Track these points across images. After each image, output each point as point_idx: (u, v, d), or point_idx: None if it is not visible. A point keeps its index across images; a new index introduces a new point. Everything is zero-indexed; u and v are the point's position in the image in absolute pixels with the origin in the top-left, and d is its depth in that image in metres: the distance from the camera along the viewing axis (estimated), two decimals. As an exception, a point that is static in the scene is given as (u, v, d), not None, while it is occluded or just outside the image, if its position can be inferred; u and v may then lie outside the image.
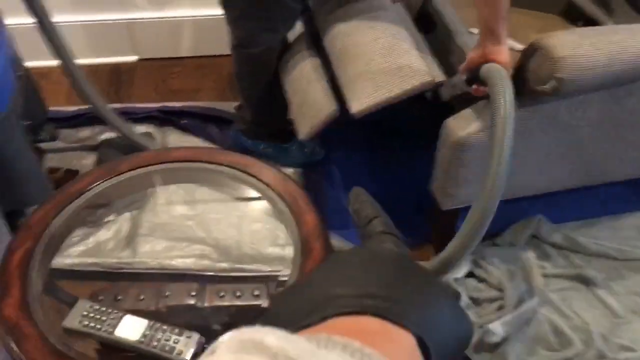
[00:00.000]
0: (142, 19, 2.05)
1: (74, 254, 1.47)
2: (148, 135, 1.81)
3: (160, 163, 0.96)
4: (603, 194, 1.60)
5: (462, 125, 1.26)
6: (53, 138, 1.78)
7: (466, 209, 1.44)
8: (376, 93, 1.26)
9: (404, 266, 0.38)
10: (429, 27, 1.65)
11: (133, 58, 2.13)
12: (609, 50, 1.13)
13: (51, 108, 1.80)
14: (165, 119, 1.85)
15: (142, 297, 0.88)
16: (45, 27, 1.44)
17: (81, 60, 2.08)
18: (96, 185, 0.94)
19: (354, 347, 0.28)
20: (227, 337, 0.27)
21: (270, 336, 0.26)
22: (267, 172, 0.93)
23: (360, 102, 1.28)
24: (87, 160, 1.75)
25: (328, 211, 1.64)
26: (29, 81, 1.63)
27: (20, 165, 1.41)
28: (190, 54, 2.13)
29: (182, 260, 1.46)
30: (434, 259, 1.16)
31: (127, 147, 1.72)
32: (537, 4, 1.72)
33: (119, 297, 0.87)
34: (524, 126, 1.25)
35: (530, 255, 1.50)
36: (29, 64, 1.80)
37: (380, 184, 1.73)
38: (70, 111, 1.86)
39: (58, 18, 1.98)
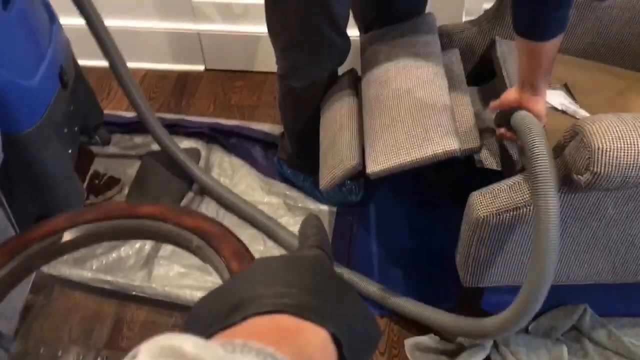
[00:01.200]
0: (213, 31, 2.05)
1: (91, 268, 1.50)
2: (194, 151, 1.81)
3: (127, 218, 0.92)
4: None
5: (486, 203, 1.12)
6: (106, 142, 1.83)
7: (491, 290, 1.30)
8: (394, 155, 1.16)
9: (322, 270, 0.41)
10: (487, 77, 1.50)
11: (200, 67, 2.15)
12: (662, 148, 0.94)
13: (109, 112, 1.85)
14: (214, 136, 1.84)
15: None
16: (95, 30, 1.45)
17: (152, 65, 2.15)
18: (58, 235, 0.92)
19: (266, 352, 0.29)
20: (146, 344, 0.28)
21: (188, 343, 0.27)
22: (227, 246, 0.86)
23: (377, 162, 1.18)
24: (132, 169, 1.78)
25: (356, 256, 1.56)
26: (83, 84, 1.68)
27: (53, 172, 1.45)
28: (254, 69, 2.11)
29: (190, 292, 1.45)
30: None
31: (169, 160, 1.73)
32: (623, 60, 1.51)
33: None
34: (563, 215, 1.09)
35: (564, 353, 1.32)
36: (90, 63, 1.87)
37: (417, 235, 1.61)
38: (128, 117, 1.90)
39: (135, 23, 2.05)
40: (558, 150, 1.06)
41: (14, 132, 1.31)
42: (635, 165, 0.94)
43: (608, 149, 0.94)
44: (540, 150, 1.02)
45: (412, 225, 1.64)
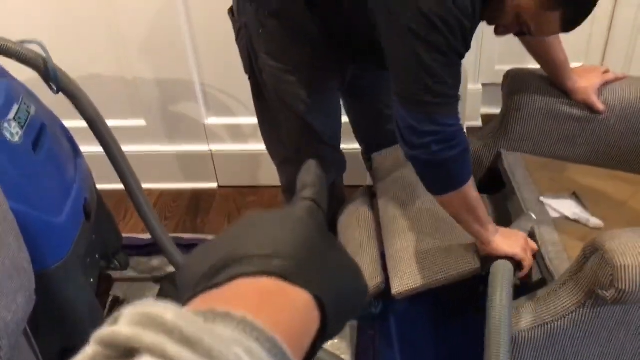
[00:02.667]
0: (224, 150, 2.13)
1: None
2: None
3: None
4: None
5: (513, 320, 1.13)
6: (125, 266, 1.85)
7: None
8: (419, 276, 1.19)
9: (312, 228, 0.40)
10: (498, 185, 1.56)
11: (213, 185, 2.21)
12: (682, 261, 0.97)
13: (126, 235, 1.89)
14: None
15: None
16: (113, 158, 1.50)
17: (166, 185, 2.21)
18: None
19: (247, 323, 0.29)
20: (129, 309, 0.28)
21: (169, 312, 0.27)
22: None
23: (401, 282, 1.20)
24: (151, 293, 1.79)
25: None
26: (104, 211, 1.72)
27: (76, 304, 1.46)
28: (265, 184, 2.18)
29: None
30: None
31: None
32: (631, 165, 1.56)
33: None
34: (587, 326, 1.10)
35: None
36: (107, 187, 1.92)
37: (441, 346, 1.60)
38: (145, 239, 1.93)
39: (150, 147, 2.13)
40: (579, 265, 1.09)
41: (41, 268, 1.34)
42: (658, 281, 0.97)
43: (630, 266, 0.97)
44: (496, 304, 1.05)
45: (436, 336, 1.63)
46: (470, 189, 1.13)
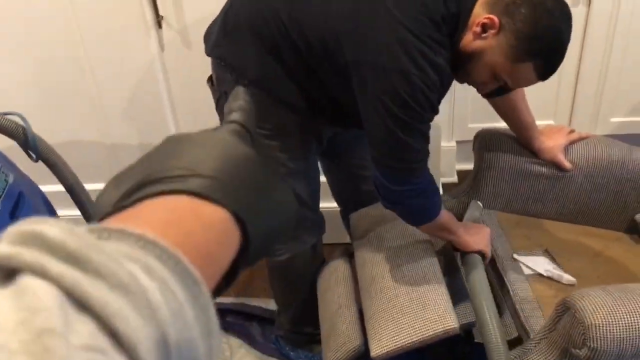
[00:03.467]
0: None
1: None
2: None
3: None
4: None
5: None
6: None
7: None
8: (397, 338, 1.19)
9: (233, 149, 0.38)
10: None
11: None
12: (650, 318, 1.00)
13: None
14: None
15: None
16: (90, 220, 1.51)
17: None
18: None
19: (147, 239, 0.27)
20: (12, 227, 0.25)
21: (53, 228, 0.25)
22: None
23: (380, 345, 1.21)
24: None
25: None
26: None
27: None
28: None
29: None
30: None
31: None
32: (600, 221, 1.61)
33: None
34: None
35: None
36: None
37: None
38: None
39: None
40: (553, 324, 1.11)
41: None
42: (628, 338, 0.99)
43: (601, 325, 0.99)
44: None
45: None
46: (442, 216, 1.26)
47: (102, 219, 0.32)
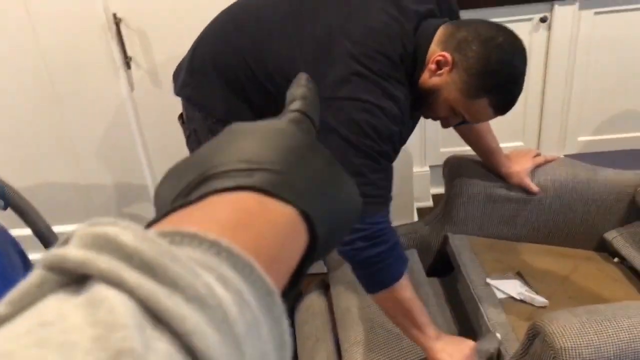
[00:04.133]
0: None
1: None
2: None
3: None
4: None
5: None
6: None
7: None
8: (373, 369, 1.20)
9: (297, 140, 0.36)
10: (448, 268, 1.60)
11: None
12: (618, 339, 1.02)
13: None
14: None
15: None
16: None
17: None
18: None
19: (220, 246, 0.25)
20: (81, 228, 0.23)
21: (127, 232, 0.22)
22: None
23: (357, 377, 1.21)
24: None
25: None
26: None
27: None
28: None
29: None
30: None
31: None
32: (570, 240, 1.64)
33: None
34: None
35: None
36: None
37: None
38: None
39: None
40: (524, 348, 1.13)
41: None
42: (598, 359, 1.01)
43: (570, 348, 1.01)
44: None
45: None
46: (403, 288, 1.13)
47: (163, 216, 0.30)
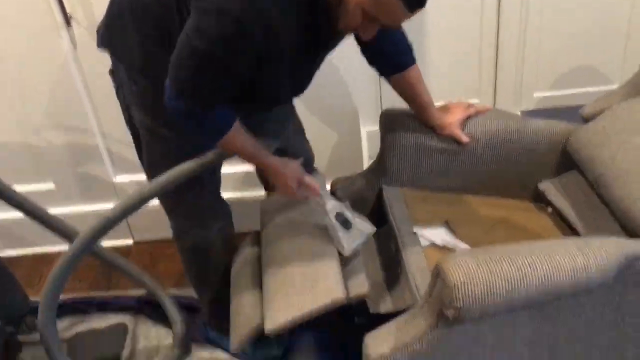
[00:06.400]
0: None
1: None
2: (121, 326, 1.84)
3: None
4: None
5: (377, 343, 1.18)
6: (33, 329, 1.85)
7: None
8: (288, 311, 1.23)
9: None
10: (384, 219, 1.63)
11: (129, 241, 2.24)
12: (509, 276, 1.05)
13: (34, 298, 1.89)
14: (140, 308, 1.89)
15: None
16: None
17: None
18: None
19: None
20: None
21: None
22: None
23: (272, 320, 1.25)
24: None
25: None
26: (5, 277, 1.73)
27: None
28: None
29: None
30: None
31: (97, 342, 1.76)
32: (505, 191, 1.66)
33: None
34: (445, 347, 1.16)
35: None
36: (19, 252, 1.93)
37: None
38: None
39: (63, 210, 2.15)
40: (431, 288, 1.16)
41: None
42: (489, 297, 1.04)
43: (464, 284, 1.04)
44: None
45: None
46: (235, 136, 1.23)
47: None
